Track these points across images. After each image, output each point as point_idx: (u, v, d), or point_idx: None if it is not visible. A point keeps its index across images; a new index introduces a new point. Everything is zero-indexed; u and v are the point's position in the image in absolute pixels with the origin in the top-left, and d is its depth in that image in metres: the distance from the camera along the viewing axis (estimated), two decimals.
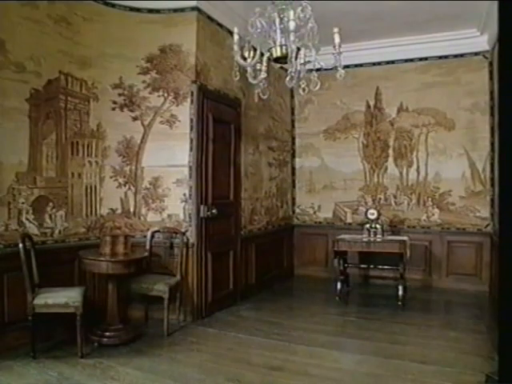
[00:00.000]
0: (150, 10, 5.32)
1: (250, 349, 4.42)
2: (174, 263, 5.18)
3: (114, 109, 5.28)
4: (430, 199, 7.24)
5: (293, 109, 8.18)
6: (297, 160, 8.18)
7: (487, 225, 6.84)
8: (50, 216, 4.67)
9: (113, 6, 5.19)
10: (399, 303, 5.94)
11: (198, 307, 5.31)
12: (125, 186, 5.34)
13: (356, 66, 7.50)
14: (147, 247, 5.12)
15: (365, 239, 6.21)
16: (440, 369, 3.89)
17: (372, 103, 7.64)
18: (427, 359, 4.10)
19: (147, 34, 5.30)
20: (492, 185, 6.76)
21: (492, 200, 6.76)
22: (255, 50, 3.16)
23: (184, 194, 5.26)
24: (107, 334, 4.41)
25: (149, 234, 5.21)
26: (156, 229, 5.24)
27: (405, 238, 6.37)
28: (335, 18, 4.98)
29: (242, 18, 5.27)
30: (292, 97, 8.06)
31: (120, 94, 5.30)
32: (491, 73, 6.77)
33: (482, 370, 3.58)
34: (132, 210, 5.36)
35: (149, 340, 4.58)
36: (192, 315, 5.24)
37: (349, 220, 7.73)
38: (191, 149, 5.24)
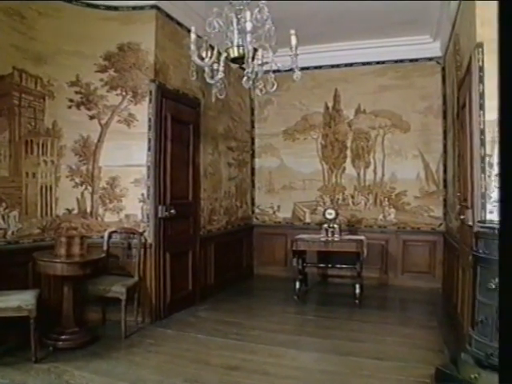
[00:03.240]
0: (108, 7, 5.23)
1: (209, 349, 4.42)
2: (131, 264, 5.11)
3: (70, 107, 5.16)
4: (386, 199, 7.41)
5: (252, 109, 8.21)
6: (256, 160, 8.22)
7: (440, 224, 7.06)
8: (3, 216, 4.52)
9: (69, 1, 5.07)
10: (356, 301, 6.05)
11: (157, 308, 5.26)
12: (81, 185, 5.23)
13: (315, 67, 7.61)
14: (104, 248, 5.04)
15: (323, 239, 6.29)
16: (395, 364, 3.99)
17: (330, 105, 7.75)
18: (383, 355, 4.20)
19: (105, 31, 5.21)
20: (445, 186, 6.99)
21: (445, 200, 6.99)
22: (213, 49, 3.17)
23: (142, 194, 5.21)
24: (63, 337, 4.30)
25: (106, 234, 5.13)
26: (113, 229, 5.17)
27: (362, 237, 6.49)
28: (295, 20, 5.04)
29: (202, 18, 5.24)
30: (252, 97, 8.09)
31: (77, 92, 5.18)
32: (444, 78, 7.00)
33: (432, 363, 3.69)
34: (89, 210, 5.26)
35: (106, 342, 4.50)
36: (150, 316, 5.19)
37: (307, 220, 7.82)
38: (149, 148, 5.19)
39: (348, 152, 7.65)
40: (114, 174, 5.25)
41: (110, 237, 5.14)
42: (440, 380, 3.38)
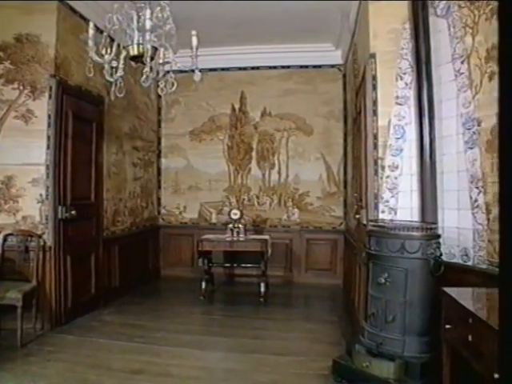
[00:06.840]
0: None
1: (111, 354, 4.30)
2: (29, 268, 4.84)
3: None
4: (290, 200, 7.66)
5: (159, 109, 8.12)
6: (162, 160, 8.14)
7: (341, 223, 7.43)
8: None
9: None
10: (261, 300, 6.18)
11: (57, 314, 5.04)
12: None
13: (223, 69, 7.68)
14: None
15: (228, 239, 6.36)
16: (295, 359, 4.15)
17: (237, 106, 7.86)
18: (284, 351, 4.35)
19: (1, 19, 4.90)
20: (345, 186, 7.36)
21: (345, 200, 7.35)
22: (112, 46, 3.11)
23: (40, 195, 4.96)
24: None
25: (0, 237, 4.83)
26: (9, 232, 4.87)
27: (266, 236, 6.65)
28: (202, 21, 5.09)
29: (107, 12, 5.11)
30: (159, 97, 7.98)
31: None
32: (344, 84, 7.39)
33: (331, 355, 3.86)
34: None
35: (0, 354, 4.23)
36: (50, 323, 4.95)
37: (214, 220, 7.87)
38: (48, 147, 4.96)
39: (253, 153, 7.81)
40: (10, 173, 4.97)
41: (5, 240, 4.85)
42: (336, 371, 3.58)
